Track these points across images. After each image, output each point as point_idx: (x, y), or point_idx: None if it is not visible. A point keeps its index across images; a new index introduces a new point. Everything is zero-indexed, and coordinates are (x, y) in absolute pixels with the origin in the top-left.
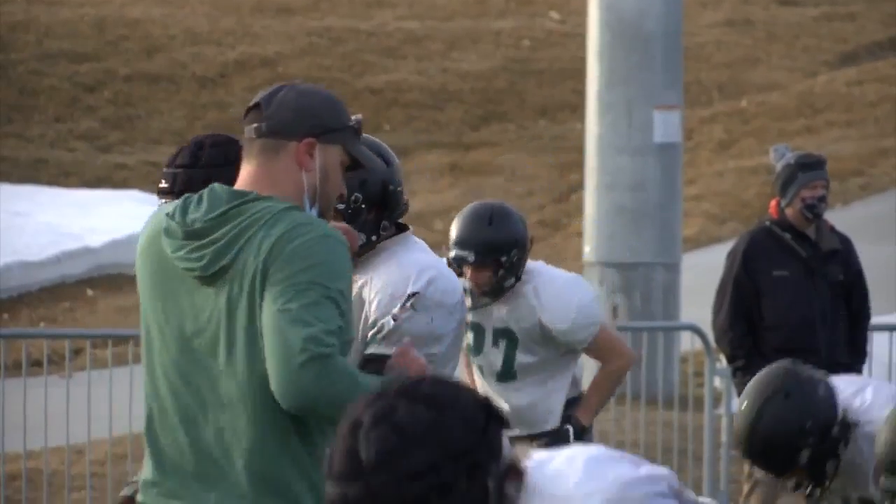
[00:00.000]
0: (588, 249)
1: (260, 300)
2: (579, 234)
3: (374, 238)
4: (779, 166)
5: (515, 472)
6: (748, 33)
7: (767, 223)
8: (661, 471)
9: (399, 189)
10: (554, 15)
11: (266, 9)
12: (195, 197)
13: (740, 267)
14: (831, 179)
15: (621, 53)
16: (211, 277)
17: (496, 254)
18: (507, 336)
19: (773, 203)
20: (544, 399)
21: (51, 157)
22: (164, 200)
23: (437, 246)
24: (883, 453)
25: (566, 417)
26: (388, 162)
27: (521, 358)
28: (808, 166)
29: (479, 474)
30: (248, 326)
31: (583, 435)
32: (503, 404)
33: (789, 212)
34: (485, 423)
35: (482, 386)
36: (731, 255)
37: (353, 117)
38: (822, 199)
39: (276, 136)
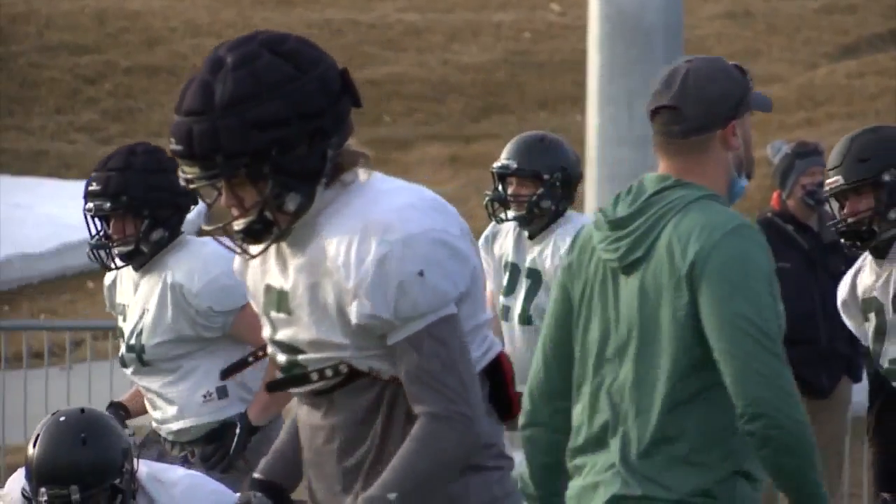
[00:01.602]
0: None
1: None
2: None
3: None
4: (776, 160)
5: (353, 155)
6: (749, 26)
7: (769, 214)
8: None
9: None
10: (554, 7)
11: (266, 1)
12: (627, 188)
13: None
14: None
15: (622, 46)
16: (628, 268)
17: (539, 168)
18: (532, 277)
19: (774, 195)
20: None
21: (51, 149)
22: (90, 205)
23: None
24: None
25: None
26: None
27: (542, 301)
28: (805, 154)
29: (321, 141)
30: (671, 320)
31: None
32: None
33: (791, 203)
34: (339, 92)
35: (507, 330)
36: None
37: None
38: (822, 184)
39: (700, 133)
